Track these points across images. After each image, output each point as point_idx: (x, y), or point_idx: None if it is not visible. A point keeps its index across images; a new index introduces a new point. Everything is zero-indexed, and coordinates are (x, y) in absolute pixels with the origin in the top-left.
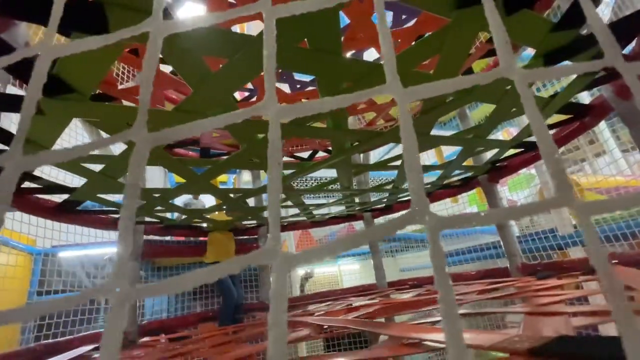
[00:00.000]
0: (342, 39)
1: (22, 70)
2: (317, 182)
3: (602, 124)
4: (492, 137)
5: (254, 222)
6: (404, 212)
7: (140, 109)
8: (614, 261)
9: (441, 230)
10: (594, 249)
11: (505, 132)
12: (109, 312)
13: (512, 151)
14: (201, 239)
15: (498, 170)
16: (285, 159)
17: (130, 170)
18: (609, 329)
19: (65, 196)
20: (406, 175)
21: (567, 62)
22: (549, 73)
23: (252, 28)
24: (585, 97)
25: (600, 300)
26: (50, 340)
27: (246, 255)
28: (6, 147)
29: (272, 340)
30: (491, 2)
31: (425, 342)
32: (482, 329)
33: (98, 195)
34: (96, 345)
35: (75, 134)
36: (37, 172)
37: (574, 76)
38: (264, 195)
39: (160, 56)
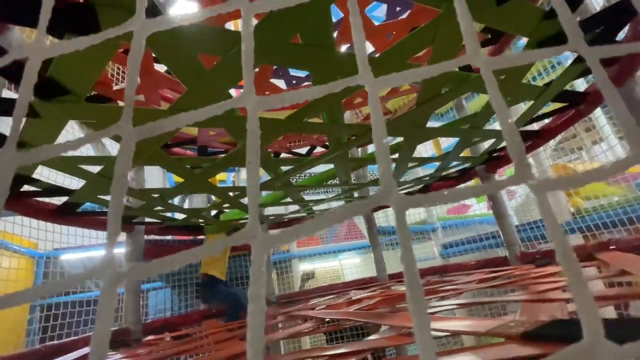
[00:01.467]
0: (336, 33)
1: (14, 74)
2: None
3: (598, 111)
4: (488, 127)
5: None
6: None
7: (126, 104)
8: (611, 247)
9: (407, 209)
10: (551, 226)
11: None
12: (101, 292)
13: None
14: (200, 237)
15: (495, 160)
16: (284, 155)
17: (118, 162)
18: (605, 313)
19: (65, 198)
20: (376, 158)
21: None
22: (514, 59)
23: None
24: (580, 85)
25: (598, 285)
26: (55, 342)
27: (229, 237)
28: None
29: (251, 315)
30: None
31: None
32: (483, 318)
33: (98, 196)
34: None
35: (72, 137)
36: (35, 175)
37: (568, 64)
38: (263, 192)
39: (154, 55)
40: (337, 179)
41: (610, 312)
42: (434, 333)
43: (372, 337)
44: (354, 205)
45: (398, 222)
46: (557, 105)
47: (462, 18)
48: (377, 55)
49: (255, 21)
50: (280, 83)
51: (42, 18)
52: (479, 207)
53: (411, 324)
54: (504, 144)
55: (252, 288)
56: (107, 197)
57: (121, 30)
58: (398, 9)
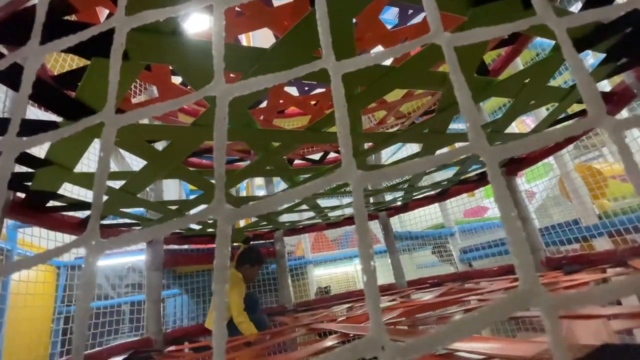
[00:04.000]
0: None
1: (44, 96)
2: (332, 185)
3: (624, 112)
4: (509, 130)
5: (270, 226)
6: (419, 209)
7: (109, 94)
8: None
9: (365, 184)
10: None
11: (520, 124)
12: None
13: None
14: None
15: (516, 162)
16: (298, 161)
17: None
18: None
19: (88, 212)
20: (338, 139)
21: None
22: (474, 36)
23: (257, 37)
24: (605, 86)
25: (633, 298)
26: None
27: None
28: (27, 169)
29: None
30: None
31: (459, 353)
32: (508, 329)
33: (121, 209)
34: (125, 356)
35: (95, 152)
36: (61, 191)
37: (595, 65)
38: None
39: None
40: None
41: None
42: (467, 355)
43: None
44: (316, 182)
45: (356, 196)
46: (583, 105)
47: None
48: (397, 65)
49: (268, 35)
50: (292, 90)
51: (35, 28)
52: (497, 211)
53: (442, 345)
54: None
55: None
56: (129, 210)
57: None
58: (410, 11)
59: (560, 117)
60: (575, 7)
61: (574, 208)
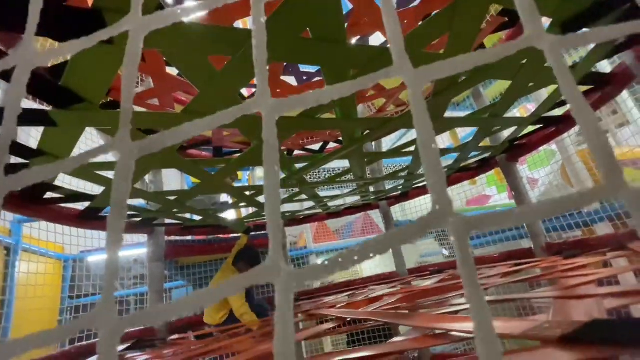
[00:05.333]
0: (346, 25)
1: (32, 84)
2: (331, 174)
3: (625, 94)
4: (508, 114)
5: None
6: (421, 197)
7: (122, 119)
8: None
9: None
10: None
11: (523, 109)
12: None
13: (530, 128)
14: (221, 236)
15: (517, 148)
16: (297, 152)
17: (115, 187)
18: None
19: (87, 204)
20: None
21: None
22: (583, 38)
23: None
24: (605, 66)
25: (631, 278)
26: (84, 342)
27: (249, 269)
28: (22, 160)
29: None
30: None
31: (452, 333)
32: (509, 314)
33: None
34: (128, 345)
35: (92, 143)
36: (58, 182)
37: (593, 45)
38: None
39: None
40: (351, 174)
41: None
42: (460, 335)
43: (396, 339)
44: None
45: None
46: (582, 88)
47: None
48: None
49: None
50: (291, 80)
51: (30, 22)
52: (500, 198)
53: (436, 325)
54: (526, 131)
55: (278, 340)
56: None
57: (115, 31)
58: None
59: (560, 99)
60: None
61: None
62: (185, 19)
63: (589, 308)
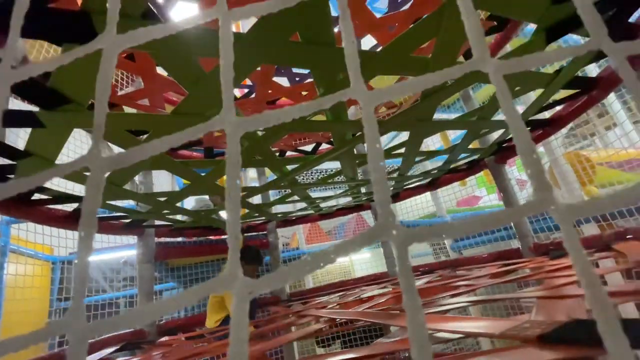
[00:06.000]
0: (337, 28)
1: (20, 86)
2: (323, 174)
3: (612, 96)
4: (497, 117)
5: (262, 218)
6: (412, 198)
7: (95, 135)
8: (629, 236)
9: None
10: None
11: None
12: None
13: None
14: (212, 237)
15: (505, 150)
16: (290, 153)
17: (86, 198)
18: (627, 309)
19: (75, 205)
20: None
21: (554, 46)
22: (524, 63)
23: (247, 26)
24: (592, 69)
25: (617, 279)
26: None
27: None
28: (9, 161)
29: None
30: None
31: (439, 333)
32: (498, 314)
33: (107, 202)
34: (118, 347)
35: (80, 143)
36: (46, 184)
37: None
38: (271, 192)
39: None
40: (343, 175)
41: (630, 309)
42: (446, 335)
43: (384, 340)
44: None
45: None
46: (569, 91)
47: (466, 16)
48: (379, 49)
49: (250, 22)
50: (283, 80)
51: (15, 22)
52: (489, 199)
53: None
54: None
55: (233, 343)
56: (116, 202)
57: (90, 49)
58: (399, 0)
59: (547, 103)
60: None
61: (562, 195)
62: (158, 37)
63: (570, 307)
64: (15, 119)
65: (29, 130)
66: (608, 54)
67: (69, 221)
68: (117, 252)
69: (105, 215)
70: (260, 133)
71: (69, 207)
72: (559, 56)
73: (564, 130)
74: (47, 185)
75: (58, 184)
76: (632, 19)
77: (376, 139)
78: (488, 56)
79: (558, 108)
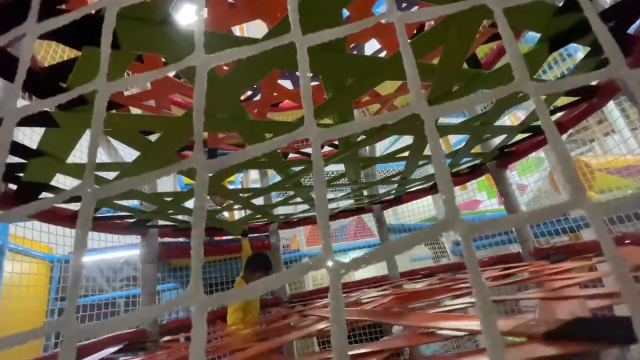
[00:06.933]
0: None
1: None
2: (326, 177)
3: (611, 104)
4: (499, 122)
5: (265, 219)
6: (413, 202)
7: (87, 169)
8: (627, 241)
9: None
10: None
11: (513, 117)
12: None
13: (520, 136)
14: (216, 238)
15: (507, 155)
16: (292, 155)
17: (80, 217)
18: (624, 310)
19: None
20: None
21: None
22: (559, 85)
23: (252, 29)
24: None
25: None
26: None
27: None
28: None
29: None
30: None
31: (441, 331)
32: (499, 317)
33: (115, 202)
34: (119, 347)
35: (86, 142)
36: (53, 183)
37: (580, 58)
38: (273, 194)
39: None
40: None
41: (626, 310)
42: (450, 333)
43: (388, 338)
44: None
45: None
46: (570, 98)
47: (508, 44)
48: (383, 54)
49: (262, 26)
50: (287, 83)
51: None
52: (490, 203)
53: (428, 324)
54: (515, 139)
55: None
56: (122, 202)
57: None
58: (404, 5)
59: (548, 109)
60: None
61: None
62: (148, 83)
63: (573, 308)
64: (31, 118)
65: (33, 128)
66: (627, 80)
67: (74, 220)
68: (117, 252)
69: (110, 214)
70: (268, 135)
71: (74, 206)
72: (587, 79)
73: (564, 136)
74: (54, 183)
75: (64, 183)
76: (630, 30)
77: (322, 176)
78: (528, 78)
79: (559, 115)
